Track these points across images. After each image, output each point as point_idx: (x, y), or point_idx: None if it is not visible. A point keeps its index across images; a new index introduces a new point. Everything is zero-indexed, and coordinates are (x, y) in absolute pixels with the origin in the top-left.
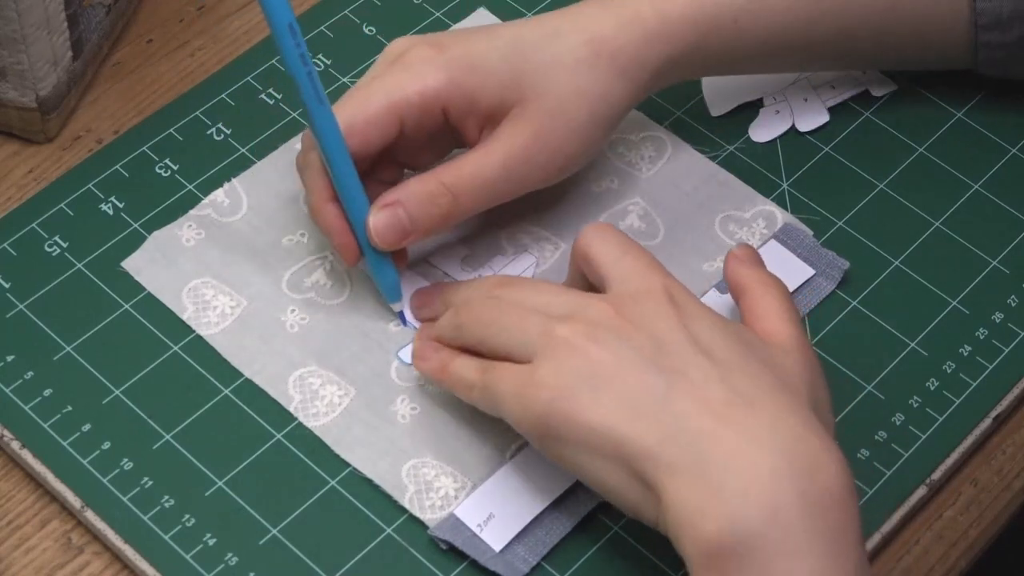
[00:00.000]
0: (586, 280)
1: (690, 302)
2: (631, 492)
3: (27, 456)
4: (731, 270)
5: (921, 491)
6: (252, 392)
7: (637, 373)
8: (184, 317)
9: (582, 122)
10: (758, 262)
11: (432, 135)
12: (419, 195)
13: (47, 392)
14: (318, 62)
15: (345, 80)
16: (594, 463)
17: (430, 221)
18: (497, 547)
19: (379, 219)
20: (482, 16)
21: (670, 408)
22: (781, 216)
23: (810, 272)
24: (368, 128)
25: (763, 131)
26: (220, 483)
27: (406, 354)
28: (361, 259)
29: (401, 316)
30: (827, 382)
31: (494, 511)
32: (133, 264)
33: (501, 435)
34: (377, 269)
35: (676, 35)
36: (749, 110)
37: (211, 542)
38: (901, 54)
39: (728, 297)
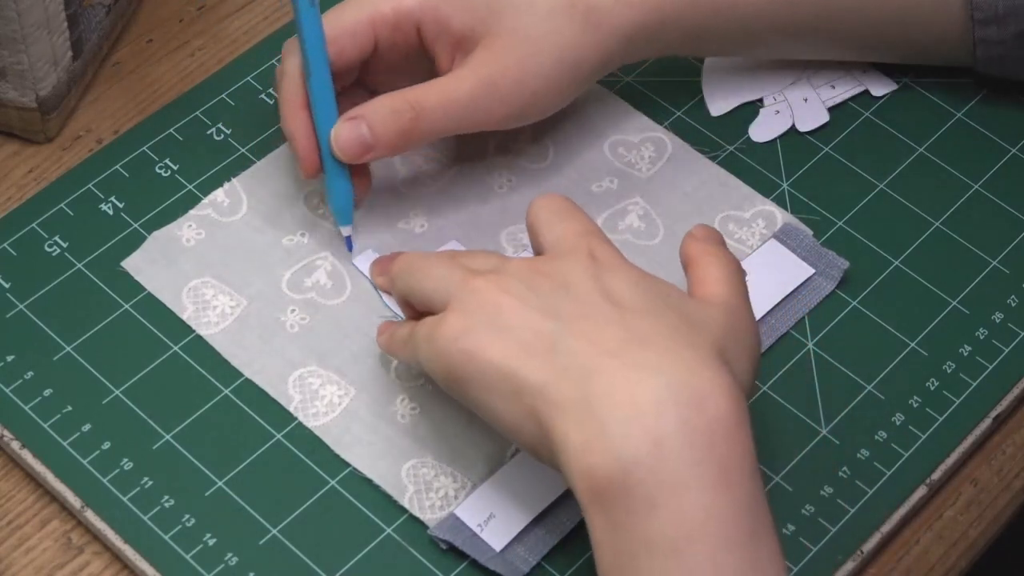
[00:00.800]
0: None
1: (612, 258)
2: (526, 430)
3: (27, 456)
4: (684, 245)
5: (921, 491)
6: (252, 392)
7: (538, 316)
8: (184, 317)
9: (549, 65)
10: (715, 239)
11: (407, 56)
12: (383, 110)
13: (47, 392)
14: None
15: None
16: (492, 401)
17: (392, 136)
18: (497, 547)
19: (342, 130)
20: None
21: (562, 347)
22: (781, 216)
23: (810, 272)
24: (343, 38)
25: (763, 131)
26: (220, 483)
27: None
28: (320, 176)
29: (348, 241)
30: (758, 344)
31: (494, 511)
32: (133, 264)
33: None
34: (334, 187)
35: (651, 1)
36: (749, 110)
37: (211, 542)
38: (889, 42)
39: None
